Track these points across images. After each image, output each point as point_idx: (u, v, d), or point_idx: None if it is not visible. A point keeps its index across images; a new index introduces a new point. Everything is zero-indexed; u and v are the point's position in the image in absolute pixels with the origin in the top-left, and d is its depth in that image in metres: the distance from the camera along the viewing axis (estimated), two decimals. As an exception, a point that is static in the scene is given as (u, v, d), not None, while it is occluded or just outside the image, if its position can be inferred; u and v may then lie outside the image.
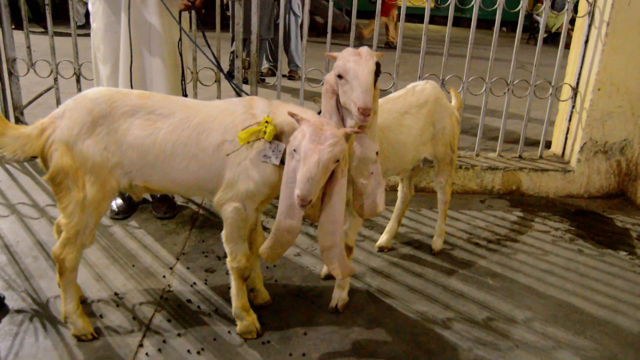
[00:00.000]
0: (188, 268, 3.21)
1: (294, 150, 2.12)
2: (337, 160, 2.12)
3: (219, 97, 4.37)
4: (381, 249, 3.57)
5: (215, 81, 4.49)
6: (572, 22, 4.76)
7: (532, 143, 5.16)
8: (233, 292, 2.58)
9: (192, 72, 4.37)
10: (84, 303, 2.76)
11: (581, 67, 4.57)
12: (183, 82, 3.53)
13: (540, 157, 4.83)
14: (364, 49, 2.27)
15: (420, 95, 3.12)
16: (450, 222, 4.03)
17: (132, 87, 3.29)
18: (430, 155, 3.25)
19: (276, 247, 2.36)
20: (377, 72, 2.25)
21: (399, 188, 3.59)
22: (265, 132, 2.32)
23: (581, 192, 4.70)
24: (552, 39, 13.87)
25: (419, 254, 3.56)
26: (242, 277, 2.54)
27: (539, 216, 4.28)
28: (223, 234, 2.50)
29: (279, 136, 2.36)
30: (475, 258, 3.56)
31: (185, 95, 3.50)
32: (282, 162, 2.33)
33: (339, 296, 2.91)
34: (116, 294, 2.90)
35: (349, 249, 2.88)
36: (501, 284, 3.27)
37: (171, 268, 3.20)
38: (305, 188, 2.02)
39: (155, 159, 2.36)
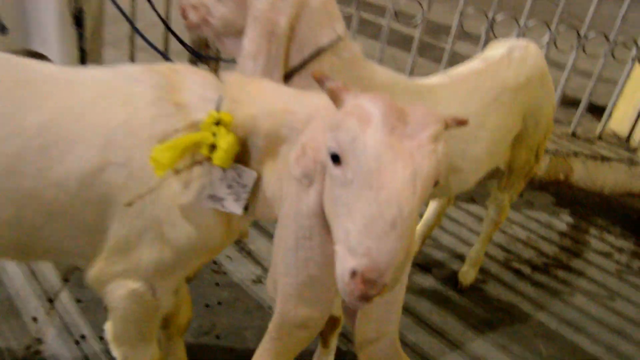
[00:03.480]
0: (79, 301, 2.02)
1: (335, 158, 0.94)
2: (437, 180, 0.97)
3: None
4: None
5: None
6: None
7: (590, 108, 3.71)
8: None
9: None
10: None
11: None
12: (80, 29, 2.03)
13: (600, 137, 3.63)
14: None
15: (522, 67, 1.85)
16: (478, 228, 2.88)
17: None
18: (504, 164, 2.04)
19: (280, 354, 1.22)
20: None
21: None
22: (213, 148, 1.11)
23: (646, 191, 3.57)
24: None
25: (438, 287, 2.43)
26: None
27: (594, 225, 3.16)
28: (108, 328, 1.31)
29: (245, 152, 1.16)
30: (518, 299, 2.45)
31: (83, 58, 2.05)
32: (246, 208, 1.20)
33: None
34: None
35: (334, 322, 1.74)
36: (558, 354, 2.19)
37: (51, 301, 2.01)
38: (383, 250, 0.86)
39: None
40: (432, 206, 2.47)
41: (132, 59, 3.03)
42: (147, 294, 1.25)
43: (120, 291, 1.25)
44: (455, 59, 2.65)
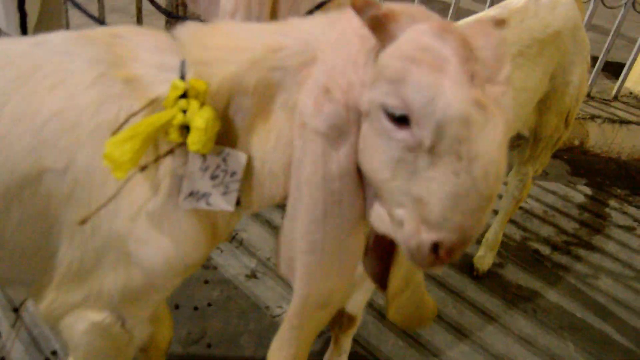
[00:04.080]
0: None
1: (399, 118, 0.77)
2: None
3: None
4: None
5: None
6: None
7: (605, 67, 3.37)
8: None
9: None
10: None
11: None
12: None
13: (616, 97, 3.36)
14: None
15: (550, 16, 1.59)
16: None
17: None
18: (529, 131, 1.81)
19: (302, 343, 1.07)
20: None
21: None
22: (185, 129, 0.87)
23: (666, 156, 3.33)
24: None
25: (452, 275, 2.20)
26: None
27: (613, 196, 2.93)
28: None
29: (227, 125, 0.92)
30: (538, 285, 2.23)
31: (24, 24, 1.64)
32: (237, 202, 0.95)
33: None
34: None
35: (350, 321, 1.52)
36: (588, 347, 1.98)
37: (16, 310, 1.75)
38: (476, 224, 0.77)
39: None
40: None
41: (102, 22, 2.69)
42: (114, 325, 1.00)
43: (80, 325, 0.99)
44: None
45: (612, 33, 3.11)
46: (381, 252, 1.04)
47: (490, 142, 0.74)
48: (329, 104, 0.83)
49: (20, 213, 0.89)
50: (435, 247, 0.78)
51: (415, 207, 0.78)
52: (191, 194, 0.91)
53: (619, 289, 2.29)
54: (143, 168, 0.87)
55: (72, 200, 0.89)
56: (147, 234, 0.91)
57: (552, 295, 2.19)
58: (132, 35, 0.93)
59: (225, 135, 0.91)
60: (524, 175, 2.01)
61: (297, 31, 0.91)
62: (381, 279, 1.07)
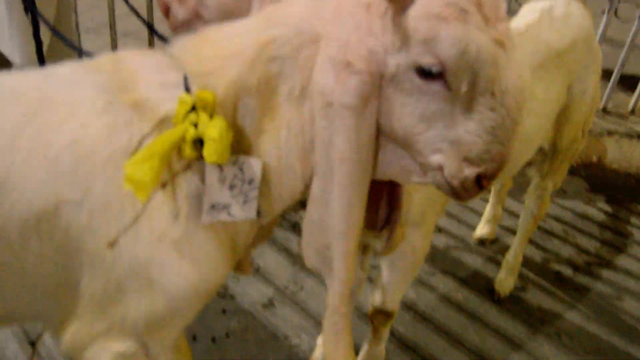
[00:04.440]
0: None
1: (434, 74, 0.83)
2: None
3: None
4: (482, 242, 2.43)
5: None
6: None
7: (620, 80, 3.31)
8: None
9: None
10: None
11: None
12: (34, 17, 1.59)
13: (632, 112, 3.32)
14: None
15: (565, 27, 1.61)
16: (508, 222, 2.59)
17: None
18: (549, 143, 1.81)
19: (349, 329, 1.05)
20: None
21: None
22: (198, 143, 0.87)
23: (686, 169, 3.27)
24: None
25: (473, 299, 2.16)
26: None
27: (634, 213, 2.87)
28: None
29: (238, 133, 0.92)
30: (562, 308, 2.18)
31: (40, 52, 1.65)
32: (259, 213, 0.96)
33: None
34: None
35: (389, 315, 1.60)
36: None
37: (33, 344, 1.73)
38: (511, 149, 0.89)
39: None
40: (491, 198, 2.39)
41: (114, 47, 2.71)
42: (138, 354, 0.98)
43: (104, 356, 0.97)
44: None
45: (626, 46, 3.08)
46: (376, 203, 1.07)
47: (514, 74, 0.83)
48: (355, 76, 0.84)
49: (39, 247, 0.88)
50: (478, 178, 0.87)
51: (453, 149, 0.86)
52: (212, 207, 0.90)
53: (644, 310, 2.24)
54: (164, 185, 0.87)
55: (91, 230, 0.88)
56: (169, 258, 0.90)
57: (576, 319, 2.14)
58: (132, 58, 0.94)
59: (238, 143, 0.91)
60: (543, 191, 2.00)
61: (285, 18, 0.91)
62: (374, 224, 1.10)
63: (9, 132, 0.85)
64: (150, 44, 2.75)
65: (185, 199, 0.89)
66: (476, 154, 0.85)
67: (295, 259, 2.18)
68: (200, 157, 0.86)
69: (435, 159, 0.88)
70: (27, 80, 0.93)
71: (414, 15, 0.81)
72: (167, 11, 1.20)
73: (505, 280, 2.15)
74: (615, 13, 2.93)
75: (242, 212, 0.92)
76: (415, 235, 1.48)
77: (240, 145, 0.91)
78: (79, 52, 1.41)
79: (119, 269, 0.90)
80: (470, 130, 0.84)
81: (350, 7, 0.87)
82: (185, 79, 0.88)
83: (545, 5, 1.67)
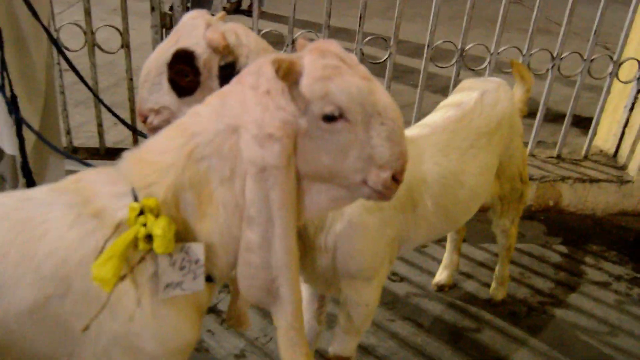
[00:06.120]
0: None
1: (333, 118, 1.08)
2: None
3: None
4: (441, 288, 2.63)
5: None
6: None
7: (574, 121, 3.52)
8: None
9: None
10: None
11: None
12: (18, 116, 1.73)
13: (586, 157, 3.55)
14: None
15: (493, 113, 1.97)
16: (468, 268, 2.78)
17: None
18: (492, 198, 2.18)
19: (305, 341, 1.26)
20: None
21: None
22: (149, 238, 1.07)
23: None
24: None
25: (430, 340, 2.32)
26: None
27: (589, 253, 3.06)
28: None
29: (181, 223, 1.13)
30: (514, 347, 2.33)
31: (23, 149, 1.81)
32: (210, 278, 1.18)
33: None
34: None
35: None
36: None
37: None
38: (406, 146, 1.15)
39: None
40: (447, 245, 2.62)
41: (100, 118, 2.96)
42: None
43: None
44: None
45: (572, 99, 3.34)
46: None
47: (384, 94, 1.11)
48: (277, 142, 1.06)
49: (34, 330, 1.09)
50: (394, 176, 1.12)
51: (368, 163, 1.10)
52: (167, 286, 1.10)
53: (594, 347, 2.39)
54: (122, 278, 1.07)
55: (75, 314, 1.09)
56: (144, 328, 1.11)
57: (530, 357, 2.29)
58: (88, 176, 1.16)
59: (185, 230, 1.11)
60: (503, 226, 2.34)
61: (201, 122, 1.13)
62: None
63: (0, 246, 1.07)
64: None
65: (146, 282, 1.10)
66: (386, 159, 1.10)
67: (264, 313, 2.35)
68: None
69: (359, 177, 1.12)
70: (11, 201, 1.15)
71: (306, 83, 1.06)
72: (144, 120, 1.45)
73: (497, 289, 2.59)
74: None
75: (193, 286, 1.13)
76: (368, 290, 1.69)
77: (187, 231, 1.12)
78: (63, 154, 1.64)
79: (103, 340, 1.11)
80: (375, 144, 1.09)
81: (254, 98, 1.10)
82: (133, 190, 1.10)
83: (479, 92, 1.99)
